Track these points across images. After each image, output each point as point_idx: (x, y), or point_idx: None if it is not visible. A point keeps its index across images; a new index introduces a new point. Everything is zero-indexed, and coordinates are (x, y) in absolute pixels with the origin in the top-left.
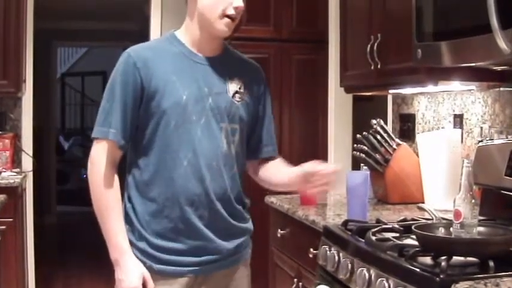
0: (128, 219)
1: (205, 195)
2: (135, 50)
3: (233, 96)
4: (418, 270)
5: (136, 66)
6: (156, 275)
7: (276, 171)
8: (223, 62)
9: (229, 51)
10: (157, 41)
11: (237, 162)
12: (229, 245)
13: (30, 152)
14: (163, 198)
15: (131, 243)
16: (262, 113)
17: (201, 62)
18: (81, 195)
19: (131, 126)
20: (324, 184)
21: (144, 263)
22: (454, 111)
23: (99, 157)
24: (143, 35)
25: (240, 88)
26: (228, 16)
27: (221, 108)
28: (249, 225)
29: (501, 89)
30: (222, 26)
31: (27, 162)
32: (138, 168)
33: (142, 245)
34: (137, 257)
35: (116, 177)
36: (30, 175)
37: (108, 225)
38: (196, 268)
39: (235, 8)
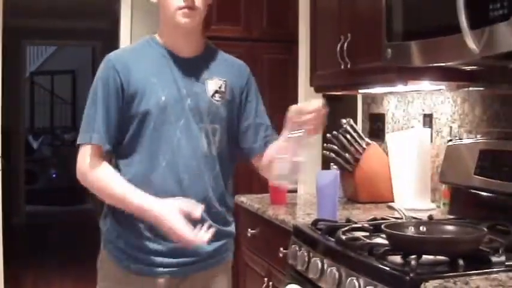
0: (107, 219)
1: (183, 197)
2: (115, 54)
3: (212, 95)
4: (388, 269)
5: (116, 69)
6: (133, 274)
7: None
8: (204, 61)
9: (211, 50)
10: (137, 44)
11: (220, 162)
12: (209, 247)
13: None
14: None
15: (110, 241)
16: (246, 111)
17: (179, 62)
18: (50, 195)
19: (115, 129)
20: (314, 123)
21: (122, 262)
22: (423, 110)
23: (85, 163)
24: (113, 35)
25: (220, 87)
26: (182, 7)
27: (200, 108)
28: (232, 228)
29: (470, 88)
30: (181, 18)
31: None
32: (118, 170)
33: (120, 243)
34: (115, 256)
35: (103, 163)
36: None
37: (123, 201)
38: (174, 269)
39: None
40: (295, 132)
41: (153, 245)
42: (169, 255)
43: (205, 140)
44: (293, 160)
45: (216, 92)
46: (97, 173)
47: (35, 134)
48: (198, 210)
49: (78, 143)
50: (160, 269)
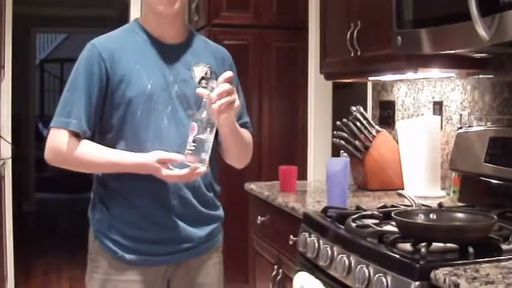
0: (97, 209)
1: (174, 184)
2: (99, 41)
3: (199, 82)
4: (397, 256)
5: (102, 57)
6: (127, 265)
7: None
8: (188, 48)
9: (194, 37)
10: (121, 30)
11: None
12: (201, 232)
13: (9, 139)
14: (131, 189)
15: (101, 232)
16: None
17: (165, 49)
18: (60, 182)
19: (95, 117)
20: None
21: (116, 253)
22: (433, 98)
23: (61, 144)
24: (122, 22)
25: (206, 74)
26: None
27: (188, 95)
28: (220, 212)
29: (480, 76)
30: (161, 6)
31: (6, 150)
32: None
33: (113, 234)
34: (108, 247)
35: (81, 141)
36: (9, 162)
37: (114, 165)
38: (168, 257)
39: None
40: (201, 110)
41: (146, 234)
42: (164, 244)
43: None
44: (197, 138)
45: (203, 78)
46: (79, 151)
47: (45, 121)
48: (178, 156)
49: (53, 125)
50: (155, 258)
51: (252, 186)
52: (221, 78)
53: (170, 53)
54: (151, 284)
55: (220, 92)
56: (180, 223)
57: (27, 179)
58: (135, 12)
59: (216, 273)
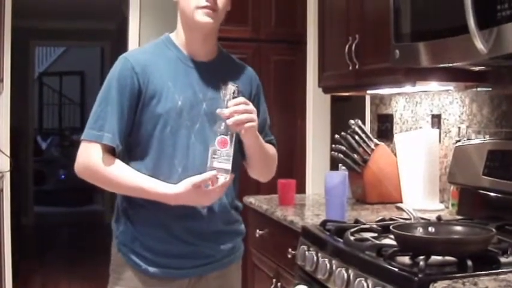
0: (121, 222)
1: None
2: (132, 55)
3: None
4: (396, 270)
5: (135, 71)
6: (151, 278)
7: None
8: (218, 66)
9: (224, 55)
10: (153, 45)
11: (232, 166)
12: (224, 247)
13: (8, 152)
14: (156, 204)
15: (124, 244)
16: None
17: (196, 67)
18: (59, 195)
19: (126, 130)
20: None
21: (140, 266)
22: (431, 111)
23: (93, 158)
24: (121, 35)
25: (234, 93)
26: (202, 7)
27: (215, 113)
28: (242, 227)
29: (478, 89)
30: (201, 16)
31: (4, 163)
32: None
33: (136, 247)
34: (132, 260)
35: (116, 159)
36: (8, 175)
37: (142, 190)
38: (191, 271)
39: None
40: (220, 123)
41: (170, 248)
42: (186, 257)
43: None
44: (222, 150)
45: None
46: (113, 170)
47: (43, 134)
48: (208, 174)
49: (85, 138)
50: (178, 271)
51: (251, 200)
52: (231, 103)
53: (200, 71)
54: None
55: (232, 110)
56: (203, 239)
57: (25, 192)
58: (134, 26)
59: (236, 286)
